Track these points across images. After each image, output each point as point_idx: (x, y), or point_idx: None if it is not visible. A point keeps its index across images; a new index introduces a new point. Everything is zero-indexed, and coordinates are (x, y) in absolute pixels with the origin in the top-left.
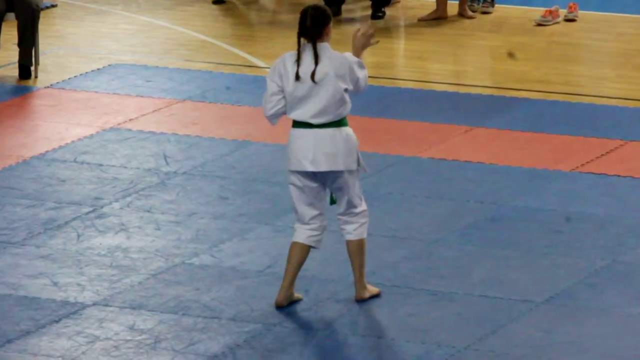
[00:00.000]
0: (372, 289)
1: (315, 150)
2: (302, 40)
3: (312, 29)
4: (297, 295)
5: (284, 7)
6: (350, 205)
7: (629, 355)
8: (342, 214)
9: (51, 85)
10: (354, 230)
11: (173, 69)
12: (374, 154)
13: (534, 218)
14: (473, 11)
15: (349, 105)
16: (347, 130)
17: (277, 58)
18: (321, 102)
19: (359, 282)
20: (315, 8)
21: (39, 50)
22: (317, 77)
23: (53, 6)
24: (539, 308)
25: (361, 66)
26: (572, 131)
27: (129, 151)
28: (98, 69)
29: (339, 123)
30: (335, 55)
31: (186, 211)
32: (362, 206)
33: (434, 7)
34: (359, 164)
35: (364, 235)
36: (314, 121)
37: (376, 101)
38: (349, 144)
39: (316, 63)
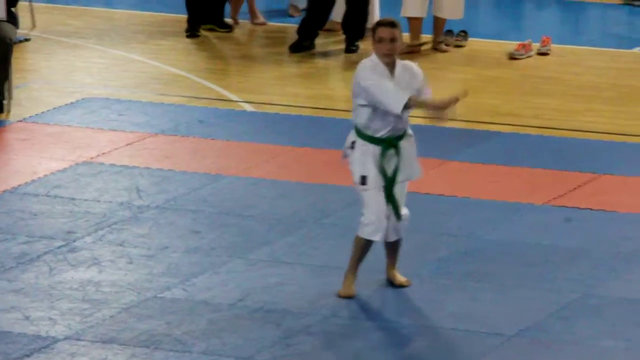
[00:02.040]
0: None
1: None
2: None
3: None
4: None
5: (257, 41)
6: None
7: None
8: None
9: (24, 119)
10: None
11: (146, 103)
12: (346, 188)
13: (506, 251)
14: (446, 44)
15: (359, 120)
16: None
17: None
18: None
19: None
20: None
21: (12, 84)
22: None
23: (26, 40)
24: (510, 341)
25: (366, 83)
26: (543, 164)
27: (101, 185)
28: (71, 103)
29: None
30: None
31: (158, 245)
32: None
33: (408, 40)
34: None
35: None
36: None
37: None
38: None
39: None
